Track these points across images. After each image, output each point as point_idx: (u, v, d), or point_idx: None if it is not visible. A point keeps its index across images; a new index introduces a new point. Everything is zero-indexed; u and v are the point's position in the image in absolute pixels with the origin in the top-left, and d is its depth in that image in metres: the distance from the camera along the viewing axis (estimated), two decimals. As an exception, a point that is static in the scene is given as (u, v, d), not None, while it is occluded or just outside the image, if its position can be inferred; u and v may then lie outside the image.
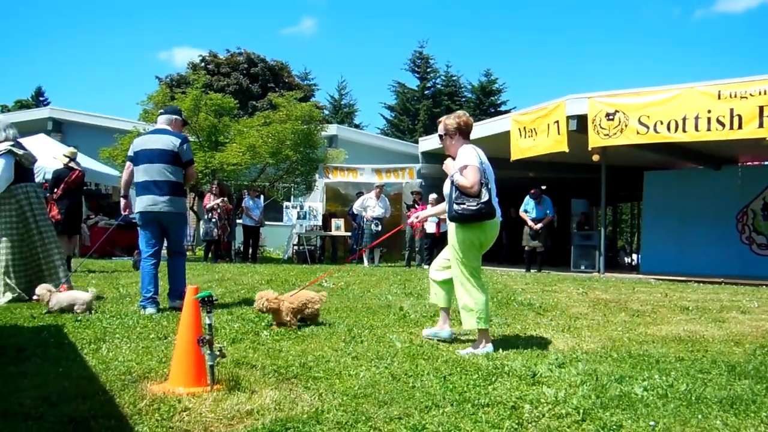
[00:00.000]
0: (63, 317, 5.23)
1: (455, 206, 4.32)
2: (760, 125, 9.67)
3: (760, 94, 9.71)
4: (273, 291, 5.06)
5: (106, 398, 2.89)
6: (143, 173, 5.92)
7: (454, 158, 4.57)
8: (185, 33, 75.20)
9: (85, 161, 14.91)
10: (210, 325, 3.14)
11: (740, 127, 9.86)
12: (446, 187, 4.58)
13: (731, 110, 9.93)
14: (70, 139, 17.77)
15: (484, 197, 4.28)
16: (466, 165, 4.36)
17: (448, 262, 4.63)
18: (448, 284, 4.70)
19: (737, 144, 11.90)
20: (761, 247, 13.26)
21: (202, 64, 34.59)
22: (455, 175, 4.40)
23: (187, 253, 16.95)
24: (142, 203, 5.89)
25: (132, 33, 73.20)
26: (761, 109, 9.66)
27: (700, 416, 2.80)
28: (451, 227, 4.51)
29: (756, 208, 13.35)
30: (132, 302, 6.22)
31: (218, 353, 3.14)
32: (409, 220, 5.44)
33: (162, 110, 6.63)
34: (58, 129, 19.82)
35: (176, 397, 2.90)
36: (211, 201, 13.70)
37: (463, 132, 4.63)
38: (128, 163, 6.11)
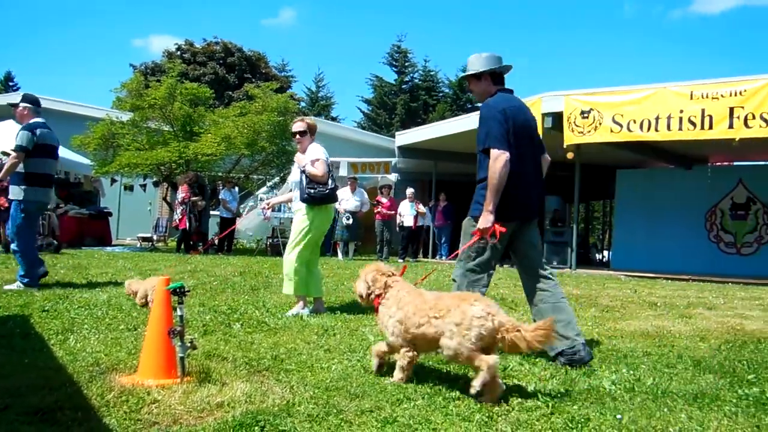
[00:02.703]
0: (30, 307, 5.14)
1: (308, 190, 5.39)
2: (730, 126, 9.87)
3: (731, 95, 9.90)
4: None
5: (74, 390, 2.85)
6: None
7: (303, 152, 5.61)
8: (162, 20, 74.18)
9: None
10: (181, 316, 3.11)
11: (711, 127, 10.05)
12: (296, 176, 5.65)
13: (703, 111, 10.12)
14: (40, 126, 17.43)
15: (331, 185, 5.49)
16: (318, 159, 5.47)
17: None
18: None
19: (708, 144, 12.14)
20: (728, 246, 13.56)
21: (178, 52, 34.18)
22: (307, 166, 5.43)
23: (160, 244, 16.85)
24: None
25: (107, 18, 71.97)
26: (731, 110, 9.86)
27: (665, 409, 2.86)
28: (301, 212, 5.51)
29: (724, 207, 13.64)
30: (103, 292, 6.14)
31: (189, 345, 3.11)
32: (261, 205, 6.32)
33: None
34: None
35: (145, 389, 2.87)
36: (186, 193, 13.53)
37: (314, 132, 5.74)
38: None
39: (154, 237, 17.27)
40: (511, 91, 4.12)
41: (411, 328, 3.15)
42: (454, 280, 4.11)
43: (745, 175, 13.76)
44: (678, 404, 2.95)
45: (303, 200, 5.45)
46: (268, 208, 6.59)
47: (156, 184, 17.75)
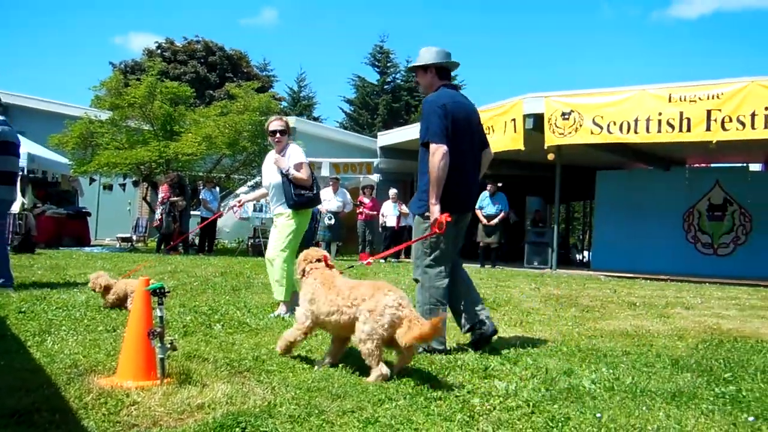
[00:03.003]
0: (6, 308, 5.05)
1: (296, 197, 5.31)
2: (708, 128, 10.02)
3: (708, 98, 10.04)
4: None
5: (51, 391, 2.81)
6: None
7: (280, 152, 5.50)
8: (142, 18, 73.35)
9: (33, 148, 14.44)
10: (161, 317, 3.08)
11: (689, 129, 10.19)
12: (274, 178, 5.48)
13: (681, 113, 10.25)
14: (16, 125, 17.11)
15: (315, 189, 5.46)
16: (302, 162, 5.40)
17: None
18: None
19: (685, 146, 12.31)
20: (705, 246, 13.75)
21: (159, 51, 33.90)
22: (291, 170, 5.34)
23: (139, 244, 16.68)
24: None
25: (86, 15, 70.99)
26: (709, 113, 10.00)
27: (644, 408, 2.89)
28: (285, 216, 5.40)
29: (702, 208, 13.84)
30: (81, 293, 6.06)
31: (169, 346, 3.09)
32: (231, 204, 6.23)
33: None
34: (4, 113, 19.10)
35: (124, 390, 2.84)
36: (166, 193, 13.40)
37: (290, 133, 5.71)
38: None
39: (134, 237, 17.09)
40: (456, 87, 4.31)
41: (321, 316, 3.46)
42: (416, 280, 4.22)
43: (721, 177, 13.97)
44: (656, 403, 2.98)
45: (290, 206, 5.35)
46: (240, 207, 6.52)
47: (135, 184, 17.57)
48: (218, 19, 70.83)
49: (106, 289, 5.33)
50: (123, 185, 17.58)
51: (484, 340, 4.14)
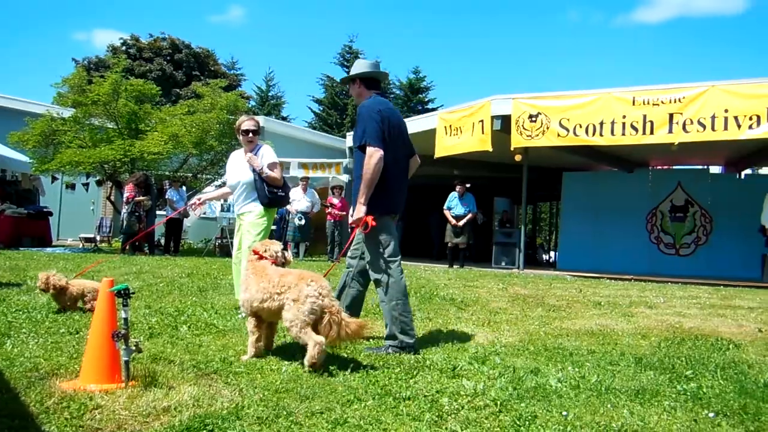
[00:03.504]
0: (-36, 311, 4.91)
1: (269, 195, 5.39)
2: (670, 131, 10.24)
3: (671, 102, 10.27)
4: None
5: (10, 396, 2.74)
6: None
7: (251, 152, 5.51)
8: (106, 14, 71.83)
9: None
10: (126, 319, 3.03)
11: (652, 132, 10.41)
12: (243, 176, 5.48)
13: (644, 116, 10.46)
14: (-26, 122, 16.70)
15: (286, 188, 5.67)
16: (276, 162, 5.51)
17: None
18: None
19: (649, 148, 12.58)
20: (668, 247, 14.06)
21: (123, 47, 33.30)
22: (265, 169, 5.41)
23: (103, 244, 16.36)
24: None
25: (47, 10, 69.32)
26: (671, 116, 10.23)
27: (609, 405, 2.94)
28: (253, 214, 5.41)
29: (664, 209, 14.14)
30: (43, 294, 5.91)
31: (134, 348, 3.04)
32: (191, 202, 6.21)
33: None
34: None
35: (87, 394, 2.78)
36: (131, 192, 13.16)
37: (260, 133, 5.73)
38: None
39: (98, 237, 16.75)
40: (387, 97, 4.61)
41: (254, 303, 3.71)
42: (377, 281, 4.24)
43: (683, 179, 14.29)
44: (621, 400, 3.04)
45: (265, 203, 5.42)
46: (199, 205, 6.45)
47: (99, 183, 17.22)
48: (185, 16, 69.93)
49: (62, 290, 5.18)
50: (86, 185, 17.20)
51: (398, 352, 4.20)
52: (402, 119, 4.54)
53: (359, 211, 4.10)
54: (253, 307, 3.73)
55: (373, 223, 4.08)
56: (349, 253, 4.55)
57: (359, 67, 4.50)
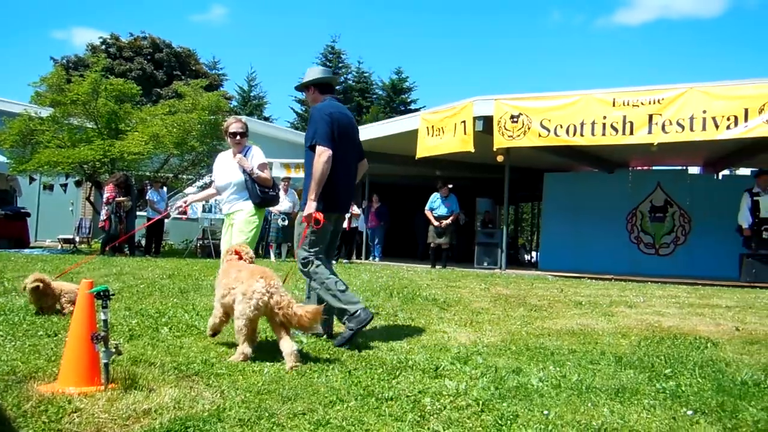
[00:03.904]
0: (-61, 313, 4.82)
1: (260, 194, 5.39)
2: (649, 132, 10.36)
3: (650, 103, 10.39)
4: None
5: (-13, 400, 2.70)
6: None
7: (240, 153, 5.51)
8: (85, 12, 71.00)
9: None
10: (105, 321, 3.00)
11: (631, 133, 10.52)
12: (234, 176, 5.46)
13: (624, 117, 10.57)
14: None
15: (275, 189, 5.66)
16: (265, 163, 5.56)
17: None
18: None
19: (629, 149, 12.71)
20: (648, 247, 14.23)
21: (103, 46, 32.96)
22: (255, 170, 5.43)
23: (83, 246, 16.16)
24: None
25: (24, 7, 68.20)
26: (650, 117, 10.34)
27: (589, 404, 2.97)
28: (244, 212, 5.38)
29: (644, 210, 14.31)
30: (20, 296, 5.83)
31: (114, 350, 3.01)
32: (177, 204, 6.25)
33: None
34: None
35: (66, 397, 2.75)
36: (111, 193, 13.01)
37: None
38: None
39: (77, 239, 16.55)
40: (340, 100, 4.80)
41: (220, 298, 3.93)
42: (307, 273, 4.53)
43: (662, 179, 14.47)
44: (601, 399, 3.07)
45: (257, 203, 5.43)
46: (186, 207, 6.38)
47: (78, 184, 17.01)
48: (166, 16, 69.31)
49: (46, 291, 5.11)
50: (64, 185, 16.98)
51: (362, 327, 4.40)
52: (353, 123, 4.78)
53: (309, 207, 4.32)
54: (219, 302, 3.95)
55: (323, 220, 4.31)
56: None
57: (312, 74, 4.78)
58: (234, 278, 3.87)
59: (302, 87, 4.80)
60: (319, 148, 4.32)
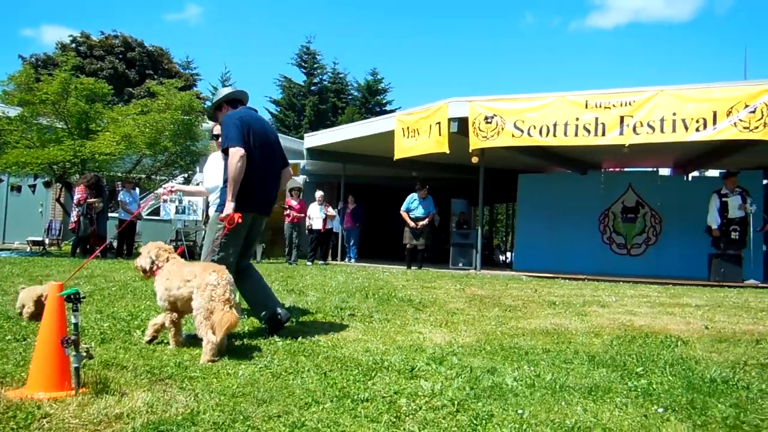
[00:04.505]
0: None
1: None
2: (621, 133, 10.52)
3: (622, 105, 10.54)
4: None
5: (-47, 406, 2.63)
6: None
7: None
8: (55, 10, 69.70)
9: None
10: (76, 324, 2.95)
11: (604, 134, 10.66)
12: (216, 180, 5.36)
13: (596, 118, 10.71)
14: None
15: None
16: None
17: None
18: None
19: (601, 150, 12.88)
20: (620, 247, 14.43)
21: (73, 45, 32.42)
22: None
23: (53, 248, 15.86)
24: None
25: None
26: (622, 119, 10.50)
27: (563, 403, 3.00)
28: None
29: (616, 210, 14.51)
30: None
31: (84, 354, 2.96)
32: (160, 189, 6.17)
33: None
34: None
35: (35, 402, 2.69)
36: (83, 194, 12.79)
37: None
38: None
39: (46, 241, 16.24)
40: (255, 110, 4.96)
41: (173, 291, 4.03)
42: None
43: (634, 181, 14.69)
44: (574, 398, 3.10)
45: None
46: (170, 192, 6.31)
47: (47, 185, 16.70)
48: (139, 14, 68.29)
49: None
50: (32, 186, 16.66)
51: (279, 326, 4.64)
52: (270, 128, 4.97)
53: (228, 208, 4.42)
54: (171, 296, 4.05)
55: (240, 220, 4.40)
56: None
57: (222, 93, 5.05)
58: (188, 272, 4.02)
59: (215, 107, 4.99)
60: (231, 150, 4.42)
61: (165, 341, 4.22)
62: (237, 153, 4.41)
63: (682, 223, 13.26)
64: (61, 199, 16.47)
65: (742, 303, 7.12)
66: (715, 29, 75.82)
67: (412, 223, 13.06)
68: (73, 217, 13.02)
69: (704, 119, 9.95)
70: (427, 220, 13.13)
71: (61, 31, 58.25)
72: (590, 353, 4.24)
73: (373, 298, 6.82)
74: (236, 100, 5.01)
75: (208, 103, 35.83)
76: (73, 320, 2.95)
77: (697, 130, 10.01)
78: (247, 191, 4.51)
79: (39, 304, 4.68)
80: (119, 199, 13.95)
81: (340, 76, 40.45)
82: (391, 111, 30.95)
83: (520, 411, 2.83)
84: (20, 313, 4.88)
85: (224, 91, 5.10)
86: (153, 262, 4.25)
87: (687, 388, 3.32)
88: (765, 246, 11.66)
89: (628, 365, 3.89)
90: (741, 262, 10.65)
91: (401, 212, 13.32)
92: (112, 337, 4.27)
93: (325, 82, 39.99)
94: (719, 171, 14.48)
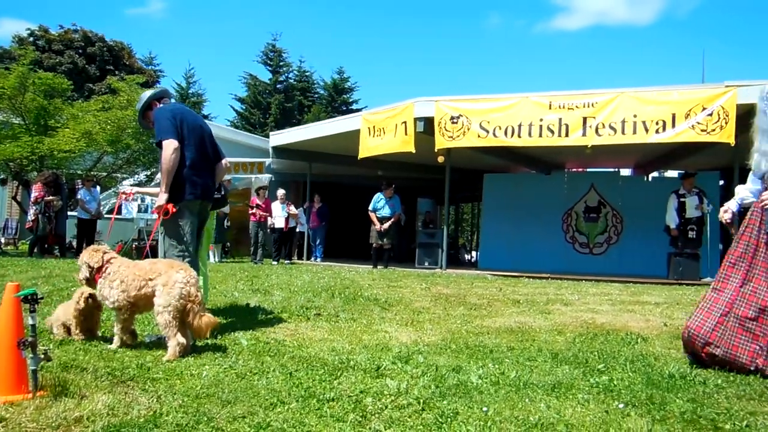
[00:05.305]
0: None
1: (217, 195, 5.29)
2: (584, 134, 10.70)
3: (585, 106, 10.73)
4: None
5: None
6: None
7: None
8: (11, 2, 67.67)
9: None
10: (33, 326, 2.87)
11: (567, 135, 10.84)
12: None
13: (560, 119, 10.88)
14: None
15: (223, 190, 5.58)
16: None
17: None
18: None
19: (564, 151, 13.09)
20: (582, 246, 14.69)
21: (31, 38, 31.54)
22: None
23: (9, 247, 15.43)
24: None
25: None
26: (585, 120, 10.68)
27: (527, 400, 3.04)
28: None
29: (579, 210, 14.77)
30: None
31: (42, 356, 2.88)
32: (122, 190, 6.28)
33: None
34: None
35: (-9, 406, 2.62)
36: (40, 192, 12.44)
37: None
38: None
39: (2, 240, 15.79)
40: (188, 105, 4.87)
41: (132, 292, 3.89)
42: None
43: (596, 181, 14.97)
44: (538, 394, 3.14)
45: (215, 205, 5.36)
46: (130, 195, 6.21)
47: (3, 182, 16.23)
48: (100, 8, 66.77)
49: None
50: (-12, 183, 16.19)
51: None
52: (202, 122, 4.96)
53: (161, 198, 4.47)
54: (131, 297, 3.91)
55: (174, 210, 4.47)
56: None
57: (146, 95, 5.00)
58: (150, 269, 3.92)
59: (145, 110, 4.93)
60: (164, 142, 4.48)
61: (107, 341, 4.15)
62: (171, 145, 4.46)
63: (643, 223, 13.56)
64: (18, 197, 16.03)
65: (699, 300, 7.31)
66: (675, 33, 77.80)
67: (378, 224, 13.05)
68: (31, 216, 12.67)
69: (663, 121, 10.19)
70: (393, 219, 13.15)
71: (18, 24, 56.55)
72: (553, 351, 4.30)
73: (339, 297, 6.81)
74: (163, 98, 5.05)
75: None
76: (30, 322, 2.87)
77: (657, 132, 10.25)
78: (188, 180, 4.56)
79: None
80: (78, 197, 13.62)
81: (307, 74, 40.26)
82: (358, 110, 30.93)
83: (484, 408, 2.86)
84: None
85: (149, 92, 5.11)
86: (91, 267, 4.09)
87: (646, 384, 3.39)
88: (721, 245, 11.99)
89: (590, 362, 3.96)
90: (699, 260, 10.94)
91: (369, 212, 13.29)
92: (71, 339, 4.17)
93: (291, 80, 39.74)
94: (678, 172, 14.83)
